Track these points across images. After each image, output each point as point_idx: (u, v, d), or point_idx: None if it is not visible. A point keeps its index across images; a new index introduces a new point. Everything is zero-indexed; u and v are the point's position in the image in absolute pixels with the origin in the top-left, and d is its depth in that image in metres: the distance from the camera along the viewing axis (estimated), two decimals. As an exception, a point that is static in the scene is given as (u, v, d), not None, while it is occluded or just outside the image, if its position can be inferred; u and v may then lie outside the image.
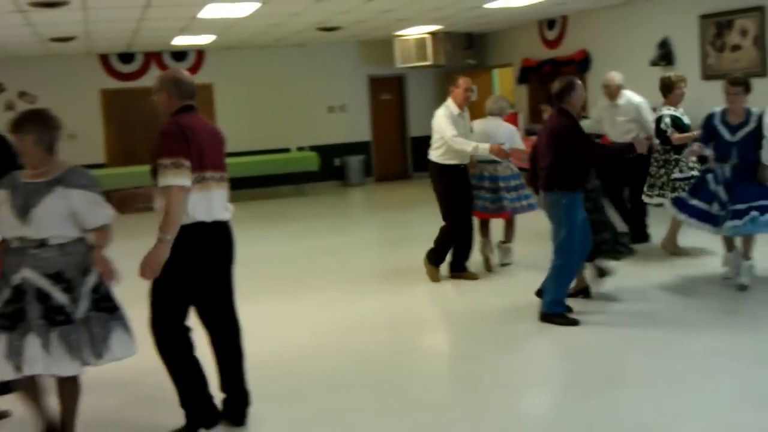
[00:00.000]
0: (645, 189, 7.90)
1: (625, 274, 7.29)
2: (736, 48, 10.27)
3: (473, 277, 7.44)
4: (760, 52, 9.87)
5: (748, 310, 6.12)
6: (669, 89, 7.73)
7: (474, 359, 5.51)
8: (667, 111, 7.62)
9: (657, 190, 7.72)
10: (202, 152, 4.13)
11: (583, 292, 6.62)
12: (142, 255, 4.02)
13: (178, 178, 3.98)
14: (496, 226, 8.16)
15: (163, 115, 4.28)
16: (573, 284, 6.51)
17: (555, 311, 6.01)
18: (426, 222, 11.37)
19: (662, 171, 7.69)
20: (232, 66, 15.70)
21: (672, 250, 7.84)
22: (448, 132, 7.12)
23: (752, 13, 9.95)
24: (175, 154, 4.01)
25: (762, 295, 6.42)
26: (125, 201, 4.59)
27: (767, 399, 4.41)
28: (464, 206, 7.40)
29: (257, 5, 9.68)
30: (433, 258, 7.51)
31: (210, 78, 15.57)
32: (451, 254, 7.49)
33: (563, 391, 4.86)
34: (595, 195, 6.46)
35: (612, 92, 8.26)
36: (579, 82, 6.09)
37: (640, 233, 8.55)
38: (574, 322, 5.94)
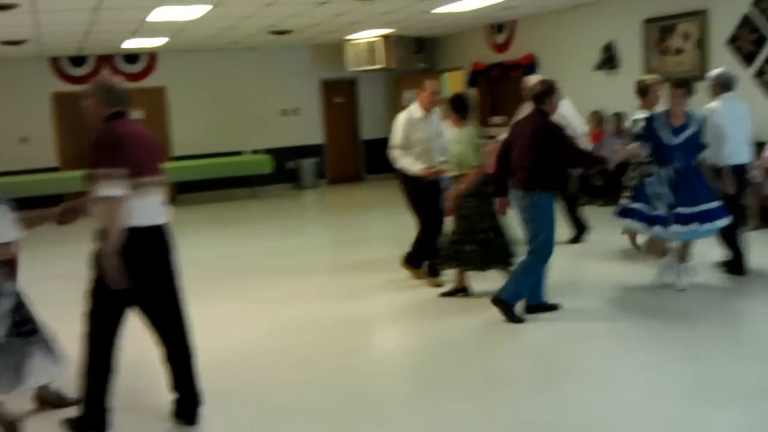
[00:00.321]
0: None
1: (566, 273, 7.47)
2: (678, 51, 10.57)
3: (422, 276, 7.50)
4: (702, 55, 10.16)
5: (683, 307, 6.29)
6: (644, 93, 7.69)
7: (423, 357, 5.64)
8: (642, 114, 7.63)
9: (629, 192, 7.81)
10: (139, 158, 4.16)
11: (463, 290, 6.88)
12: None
13: (113, 189, 4.01)
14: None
15: (92, 121, 4.32)
16: (454, 283, 6.88)
17: (511, 303, 6.10)
18: (379, 224, 11.55)
19: (632, 174, 7.77)
20: (185, 69, 15.67)
21: (657, 252, 7.59)
22: (393, 140, 7.23)
23: (694, 17, 10.26)
24: (109, 164, 4.03)
25: (697, 291, 6.62)
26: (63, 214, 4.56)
27: (699, 392, 4.60)
28: (434, 210, 7.32)
29: (208, 8, 9.71)
30: (411, 260, 7.54)
31: (163, 81, 15.53)
32: (412, 246, 7.51)
33: (506, 387, 4.99)
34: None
35: None
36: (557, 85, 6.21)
37: (578, 230, 8.77)
38: (520, 320, 6.08)
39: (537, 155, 5.98)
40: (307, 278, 8.12)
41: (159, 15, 10.01)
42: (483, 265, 6.63)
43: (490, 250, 6.54)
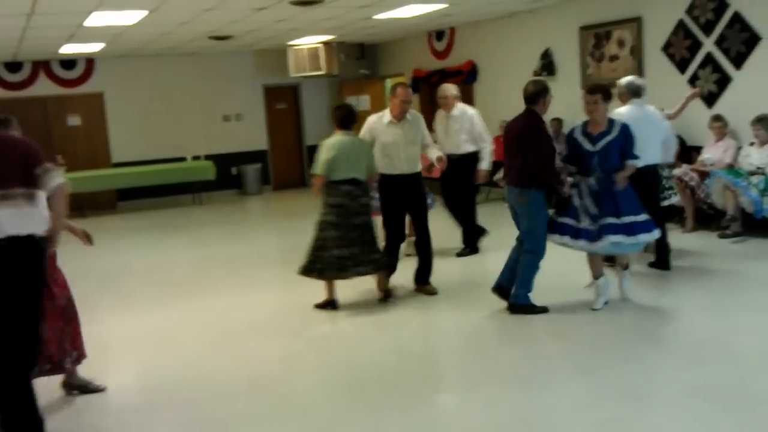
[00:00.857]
0: None
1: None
2: (613, 58, 10.77)
3: (432, 292, 7.19)
4: (637, 61, 10.36)
5: (620, 309, 6.40)
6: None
7: (364, 363, 5.63)
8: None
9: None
10: None
11: (332, 303, 6.95)
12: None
13: None
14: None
15: None
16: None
17: (526, 303, 6.29)
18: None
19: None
20: (123, 74, 15.45)
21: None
22: None
23: (629, 23, 10.46)
24: None
25: (633, 294, 6.69)
26: None
27: (638, 393, 4.70)
28: (406, 216, 7.25)
29: (144, 13, 9.59)
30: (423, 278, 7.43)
31: (101, 87, 15.33)
32: (420, 263, 7.32)
33: (447, 390, 5.06)
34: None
35: (448, 103, 8.59)
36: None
37: (477, 230, 8.83)
38: (545, 309, 6.28)
39: (526, 154, 6.09)
40: (251, 285, 8.09)
41: (95, 20, 9.86)
42: (335, 273, 6.79)
43: (341, 259, 6.72)
